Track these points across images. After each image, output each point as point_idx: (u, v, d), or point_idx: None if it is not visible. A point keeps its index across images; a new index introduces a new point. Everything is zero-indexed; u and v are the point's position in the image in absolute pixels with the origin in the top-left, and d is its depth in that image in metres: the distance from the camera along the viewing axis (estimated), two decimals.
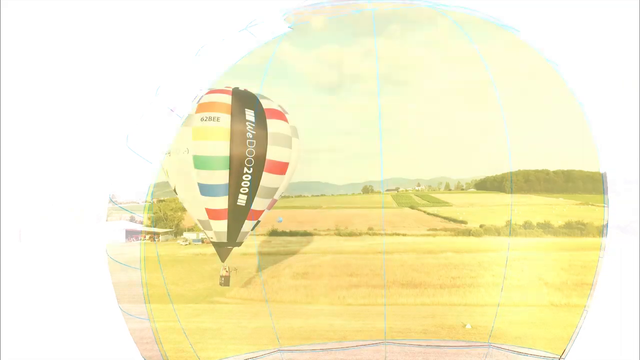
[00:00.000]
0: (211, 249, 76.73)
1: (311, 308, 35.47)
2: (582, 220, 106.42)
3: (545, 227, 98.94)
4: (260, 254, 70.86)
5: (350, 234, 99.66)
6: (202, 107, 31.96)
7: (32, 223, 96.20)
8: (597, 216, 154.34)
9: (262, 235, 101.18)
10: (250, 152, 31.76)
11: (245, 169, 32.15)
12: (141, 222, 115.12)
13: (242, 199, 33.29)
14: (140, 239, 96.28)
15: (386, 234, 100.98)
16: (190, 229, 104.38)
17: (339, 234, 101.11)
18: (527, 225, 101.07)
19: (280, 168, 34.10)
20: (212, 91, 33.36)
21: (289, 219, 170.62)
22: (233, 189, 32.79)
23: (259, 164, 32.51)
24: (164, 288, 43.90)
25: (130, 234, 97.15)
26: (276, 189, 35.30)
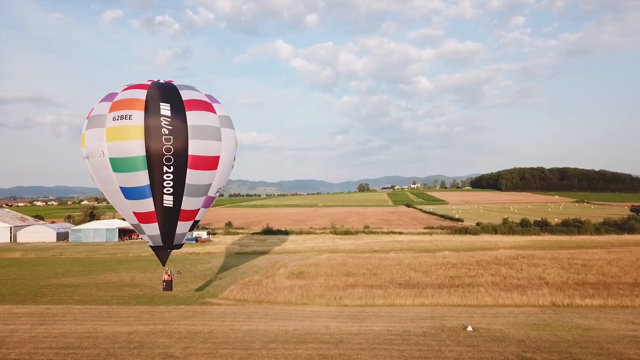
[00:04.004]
0: (205, 249, 75.83)
1: (306, 309, 34.31)
2: (579, 217, 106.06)
3: (542, 225, 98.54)
4: (255, 252, 69.82)
5: (346, 233, 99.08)
6: (114, 106, 29.54)
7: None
8: (593, 213, 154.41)
9: (256, 234, 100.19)
10: (168, 149, 29.20)
11: (165, 168, 29.51)
12: None
13: (168, 200, 30.65)
14: (133, 238, 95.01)
15: (382, 232, 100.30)
16: None
17: (335, 233, 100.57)
18: (524, 223, 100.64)
19: (209, 163, 31.28)
20: (128, 87, 31.03)
21: (284, 217, 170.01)
22: (156, 190, 30.17)
23: (180, 161, 29.83)
24: (154, 289, 42.82)
25: (124, 233, 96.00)
26: (208, 185, 32.46)
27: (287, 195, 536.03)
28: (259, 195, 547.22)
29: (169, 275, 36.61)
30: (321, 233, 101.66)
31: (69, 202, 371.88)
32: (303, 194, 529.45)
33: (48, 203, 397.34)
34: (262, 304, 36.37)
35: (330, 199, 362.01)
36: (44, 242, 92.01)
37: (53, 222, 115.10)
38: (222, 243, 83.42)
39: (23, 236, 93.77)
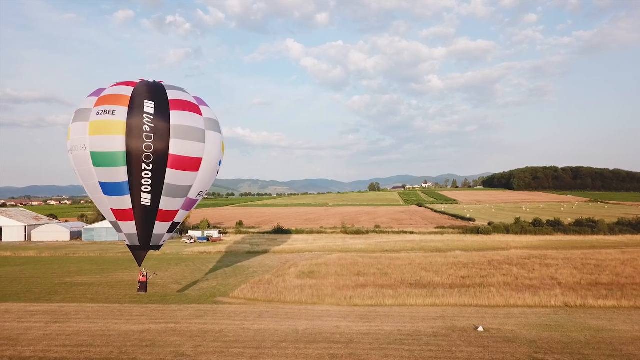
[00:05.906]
0: (216, 248, 76.00)
1: (317, 309, 34.34)
2: (593, 217, 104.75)
3: (555, 225, 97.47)
4: (265, 252, 70.02)
5: (357, 232, 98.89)
6: (100, 101, 29.81)
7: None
8: (607, 213, 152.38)
9: (267, 233, 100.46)
10: (148, 147, 29.20)
11: (144, 165, 29.47)
12: None
13: (145, 198, 30.57)
14: None
15: (393, 232, 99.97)
16: (196, 227, 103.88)
17: (346, 232, 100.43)
18: (536, 223, 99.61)
19: (190, 164, 31.18)
20: (116, 84, 31.22)
21: (295, 216, 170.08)
22: (134, 187, 30.11)
23: (160, 160, 29.79)
24: (165, 288, 43.16)
25: None
26: (189, 187, 32.23)
27: (298, 194, 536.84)
28: (270, 195, 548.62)
29: (144, 277, 36.70)
30: (332, 232, 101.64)
31: (82, 202, 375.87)
32: (314, 194, 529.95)
33: (62, 202, 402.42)
34: (272, 303, 36.49)
35: (341, 198, 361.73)
36: (57, 241, 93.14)
37: (66, 221, 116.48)
38: (233, 242, 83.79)
39: (37, 235, 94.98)
